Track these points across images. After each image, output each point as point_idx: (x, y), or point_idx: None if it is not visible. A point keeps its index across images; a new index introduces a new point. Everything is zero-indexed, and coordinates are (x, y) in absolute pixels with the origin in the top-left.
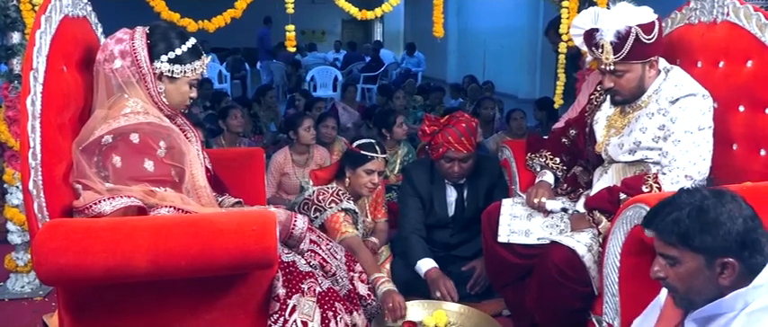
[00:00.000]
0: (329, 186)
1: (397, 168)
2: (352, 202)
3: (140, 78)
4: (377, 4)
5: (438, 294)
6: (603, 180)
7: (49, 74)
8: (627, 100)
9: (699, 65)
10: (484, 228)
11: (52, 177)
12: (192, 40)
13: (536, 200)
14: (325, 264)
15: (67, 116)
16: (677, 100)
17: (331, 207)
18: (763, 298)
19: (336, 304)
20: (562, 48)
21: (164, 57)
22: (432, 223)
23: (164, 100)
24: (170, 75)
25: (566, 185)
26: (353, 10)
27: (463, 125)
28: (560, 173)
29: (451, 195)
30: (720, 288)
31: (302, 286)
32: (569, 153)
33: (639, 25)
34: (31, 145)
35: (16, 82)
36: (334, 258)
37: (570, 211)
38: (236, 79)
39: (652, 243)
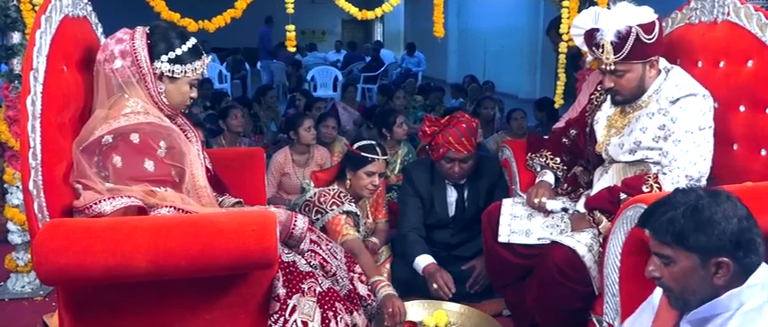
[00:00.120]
0: (330, 188)
1: (397, 168)
2: (353, 204)
3: (141, 78)
4: (377, 4)
5: (435, 285)
6: (604, 180)
7: (49, 74)
8: (627, 100)
9: (699, 64)
10: (484, 228)
11: (52, 177)
12: (193, 40)
13: (536, 200)
14: (325, 264)
15: (68, 116)
16: (678, 100)
17: (332, 210)
18: (758, 297)
19: (337, 304)
20: (562, 47)
21: (164, 57)
22: (432, 223)
23: (164, 100)
24: (170, 74)
25: (566, 185)
26: (354, 10)
27: (463, 125)
28: (561, 173)
29: (452, 195)
30: (715, 288)
31: (302, 286)
32: (570, 153)
33: (640, 25)
34: (32, 144)
35: (16, 82)
36: (335, 258)
37: (570, 211)
38: (237, 79)
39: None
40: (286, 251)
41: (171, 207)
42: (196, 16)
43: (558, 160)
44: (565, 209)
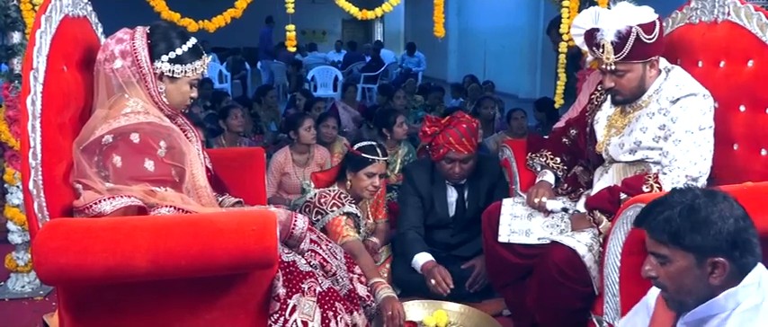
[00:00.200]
0: (331, 189)
1: (397, 168)
2: (353, 206)
3: (141, 78)
4: (377, 4)
5: (433, 281)
6: (604, 179)
7: (49, 73)
8: (627, 99)
9: (699, 64)
10: (484, 228)
11: (52, 177)
12: (193, 40)
13: (536, 200)
14: (325, 264)
15: (68, 116)
16: (678, 99)
17: (333, 211)
18: (754, 297)
19: (337, 303)
20: (562, 47)
21: (164, 57)
22: (432, 223)
23: (164, 100)
24: (171, 74)
25: (566, 185)
26: (354, 10)
27: (464, 126)
28: (561, 173)
29: (452, 195)
30: (710, 288)
31: (302, 285)
32: (570, 152)
33: (640, 25)
34: (32, 144)
35: (17, 81)
36: (335, 258)
37: (571, 211)
38: (237, 79)
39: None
40: (286, 251)
41: (171, 206)
42: (196, 16)
43: (559, 160)
44: (565, 209)
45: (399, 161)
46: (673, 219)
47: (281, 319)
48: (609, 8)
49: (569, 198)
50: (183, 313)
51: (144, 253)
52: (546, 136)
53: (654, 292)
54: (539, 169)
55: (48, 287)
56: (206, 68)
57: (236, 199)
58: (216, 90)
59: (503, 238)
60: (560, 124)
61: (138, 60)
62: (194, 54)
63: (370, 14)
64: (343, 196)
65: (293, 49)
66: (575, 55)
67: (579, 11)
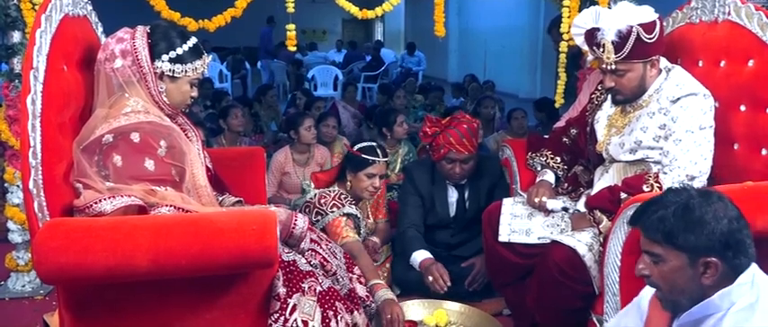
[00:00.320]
0: (331, 189)
1: (398, 167)
2: (353, 206)
3: (141, 77)
4: (377, 4)
5: (430, 278)
6: (604, 179)
7: (49, 73)
8: (628, 99)
9: (700, 64)
10: (484, 227)
11: (52, 176)
12: (193, 40)
13: (537, 200)
14: (325, 263)
15: (68, 115)
16: (678, 99)
17: (333, 212)
18: (748, 296)
19: (337, 303)
20: (563, 47)
21: (165, 57)
22: (433, 223)
23: (164, 99)
24: (171, 74)
25: (566, 184)
26: (354, 9)
27: (464, 126)
28: (561, 173)
29: (453, 195)
30: (703, 288)
31: (303, 285)
32: (570, 152)
33: (641, 24)
34: (32, 144)
35: (17, 81)
36: (335, 257)
37: (571, 210)
38: (237, 78)
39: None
40: (286, 251)
41: (171, 206)
42: (196, 15)
43: (559, 159)
44: (565, 209)
45: (399, 160)
46: (667, 218)
47: (282, 318)
48: (609, 8)
49: (569, 197)
50: (183, 312)
51: (144, 253)
52: (546, 136)
53: (646, 293)
54: (539, 168)
55: (48, 287)
56: (206, 68)
57: (237, 199)
58: (216, 89)
59: (503, 237)
60: (561, 123)
61: (138, 60)
62: (195, 53)
63: (370, 14)
64: (343, 196)
65: (293, 49)
66: (575, 54)
67: (580, 10)
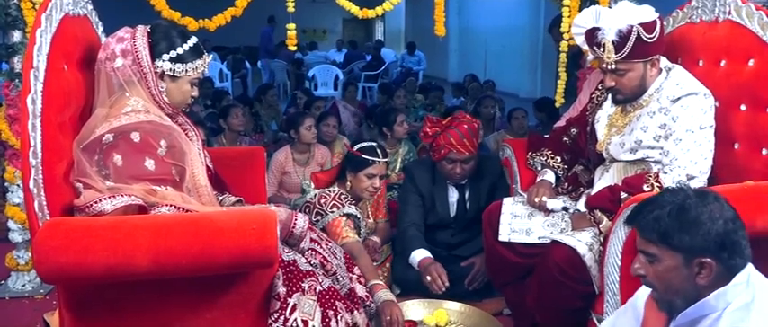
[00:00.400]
0: (331, 189)
1: (398, 167)
2: (353, 207)
3: (142, 77)
4: (378, 3)
5: (428, 278)
6: (605, 179)
7: (49, 72)
8: (628, 99)
9: (700, 63)
10: (485, 227)
11: (53, 176)
12: (194, 39)
13: (537, 199)
14: (325, 263)
15: (68, 115)
16: (679, 98)
17: (332, 212)
18: (744, 295)
19: (337, 302)
20: (563, 46)
21: (165, 56)
22: (433, 223)
23: (165, 99)
24: (172, 73)
25: (567, 184)
26: (354, 9)
27: (465, 126)
28: (561, 172)
29: (453, 195)
30: (698, 288)
31: (303, 284)
32: (570, 152)
33: (641, 24)
34: (32, 143)
35: (17, 80)
36: (335, 257)
37: (571, 210)
38: (237, 78)
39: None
40: (286, 250)
41: (171, 205)
42: (196, 15)
43: (559, 159)
44: (565, 208)
45: (400, 160)
46: (662, 218)
47: (282, 318)
48: (610, 7)
49: (570, 197)
50: (183, 311)
51: (144, 252)
52: (546, 136)
53: (642, 294)
54: (539, 168)
55: (48, 286)
56: (207, 67)
57: (237, 198)
58: (216, 89)
59: (503, 237)
60: (561, 123)
61: (139, 59)
62: (195, 53)
63: (370, 13)
64: (342, 197)
65: (294, 48)
66: (575, 54)
67: (580, 10)
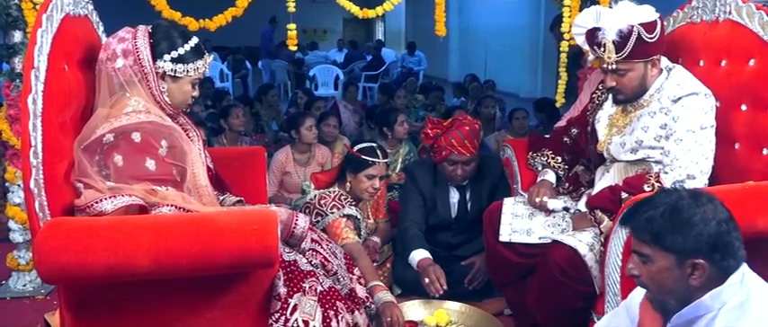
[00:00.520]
0: (331, 190)
1: (398, 167)
2: (353, 207)
3: (142, 77)
4: (378, 3)
5: (427, 280)
6: (605, 179)
7: (50, 72)
8: (629, 99)
9: (701, 63)
10: (485, 227)
11: (53, 176)
12: (195, 40)
13: (538, 199)
14: (326, 263)
15: (69, 115)
16: (679, 98)
17: (332, 213)
18: (738, 295)
19: (338, 303)
20: (563, 46)
21: (166, 57)
22: (434, 224)
23: (166, 99)
24: (173, 74)
25: (567, 184)
26: (355, 9)
27: (466, 128)
28: (562, 172)
29: (454, 196)
30: (690, 289)
31: (303, 285)
32: (571, 152)
33: (641, 24)
34: (33, 143)
35: (18, 80)
36: (335, 257)
37: (572, 210)
38: (238, 78)
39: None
40: (287, 251)
41: (172, 205)
42: (197, 15)
43: (560, 159)
44: (566, 208)
45: (400, 160)
46: (655, 219)
47: (282, 318)
48: (610, 7)
49: (570, 197)
50: (184, 312)
51: (145, 252)
52: (547, 136)
53: (636, 295)
54: (540, 168)
55: (49, 286)
56: (207, 67)
57: (237, 198)
58: (217, 89)
59: (504, 237)
60: (562, 123)
61: (139, 59)
62: (196, 53)
63: (371, 13)
64: (343, 197)
65: (294, 48)
66: (576, 54)
67: (580, 10)
